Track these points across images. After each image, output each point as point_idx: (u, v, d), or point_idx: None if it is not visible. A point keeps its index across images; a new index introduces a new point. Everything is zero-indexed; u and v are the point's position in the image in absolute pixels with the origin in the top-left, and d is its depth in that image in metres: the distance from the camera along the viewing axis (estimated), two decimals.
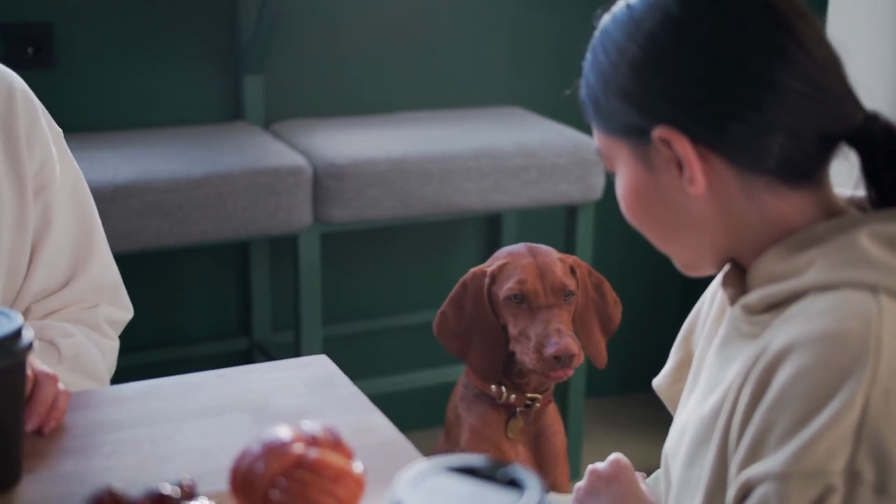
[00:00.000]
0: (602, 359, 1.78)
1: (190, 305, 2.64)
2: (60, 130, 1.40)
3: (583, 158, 2.45)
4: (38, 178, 1.34)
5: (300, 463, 0.89)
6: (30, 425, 1.10)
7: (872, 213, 0.98)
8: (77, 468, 1.07)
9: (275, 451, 0.90)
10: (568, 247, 2.55)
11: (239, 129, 2.48)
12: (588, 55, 1.04)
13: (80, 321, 1.37)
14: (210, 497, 0.93)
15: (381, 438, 1.14)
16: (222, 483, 0.99)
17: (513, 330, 1.69)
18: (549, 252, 1.73)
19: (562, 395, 2.52)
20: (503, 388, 1.73)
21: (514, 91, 2.79)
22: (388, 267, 2.79)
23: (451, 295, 1.75)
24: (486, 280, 1.71)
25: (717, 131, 0.96)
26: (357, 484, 0.91)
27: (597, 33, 1.04)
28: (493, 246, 2.87)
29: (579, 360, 1.67)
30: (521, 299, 1.68)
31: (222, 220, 2.20)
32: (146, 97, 2.50)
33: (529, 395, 1.75)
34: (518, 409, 1.74)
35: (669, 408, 1.23)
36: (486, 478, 0.78)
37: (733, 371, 0.98)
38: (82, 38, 2.42)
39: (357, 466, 0.92)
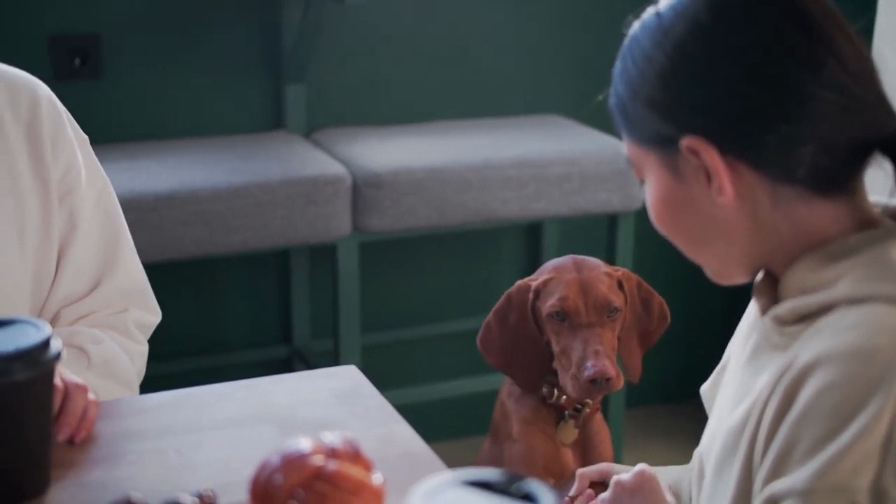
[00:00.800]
0: (636, 373, 1.73)
1: (230, 313, 2.66)
2: (86, 137, 1.42)
3: (623, 167, 2.43)
4: (63, 183, 1.36)
5: (319, 475, 0.89)
6: (61, 436, 1.11)
7: None
8: (103, 477, 1.08)
9: (294, 462, 0.90)
10: (608, 256, 2.54)
11: (280, 138, 2.50)
12: (617, 63, 1.03)
13: (109, 326, 1.38)
14: None
15: (405, 449, 1.14)
16: (244, 493, 0.99)
17: (555, 347, 1.66)
18: (597, 266, 1.68)
19: (603, 406, 2.50)
20: (555, 390, 1.70)
21: (555, 99, 2.78)
22: (426, 275, 2.79)
23: (495, 307, 1.72)
24: (531, 295, 1.68)
25: (745, 141, 0.94)
26: (376, 496, 0.91)
27: (626, 41, 1.02)
28: (532, 255, 2.86)
29: (617, 383, 1.62)
30: (562, 316, 1.64)
31: (262, 228, 2.21)
32: (190, 107, 2.53)
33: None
34: (567, 413, 1.72)
35: (709, 412, 1.21)
36: (501, 492, 0.77)
37: (762, 382, 0.97)
38: (128, 48, 2.46)
39: (376, 478, 0.92)
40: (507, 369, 1.72)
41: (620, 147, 2.47)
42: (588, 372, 1.59)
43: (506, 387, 1.78)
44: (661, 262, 2.87)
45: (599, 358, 1.60)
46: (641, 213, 2.55)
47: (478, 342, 1.73)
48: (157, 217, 2.14)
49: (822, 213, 0.96)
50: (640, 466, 1.19)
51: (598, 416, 1.78)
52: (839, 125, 0.93)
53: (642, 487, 1.16)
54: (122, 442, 1.14)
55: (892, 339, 0.87)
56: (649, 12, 1.01)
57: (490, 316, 1.72)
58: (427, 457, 1.13)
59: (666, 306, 1.75)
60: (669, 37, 0.96)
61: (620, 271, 1.71)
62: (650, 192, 1.02)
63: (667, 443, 2.84)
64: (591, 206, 2.44)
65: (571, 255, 1.71)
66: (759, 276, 1.04)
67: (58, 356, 1.03)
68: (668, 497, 1.17)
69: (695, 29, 0.95)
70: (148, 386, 1.43)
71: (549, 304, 1.65)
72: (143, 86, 2.48)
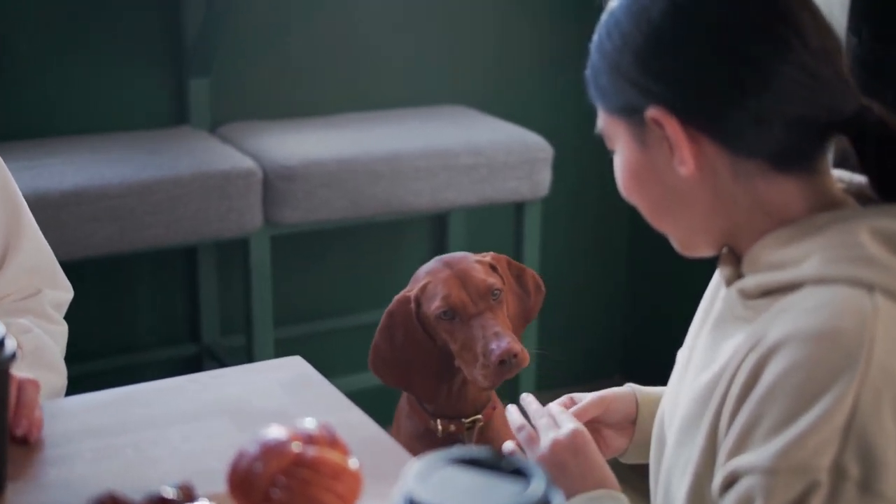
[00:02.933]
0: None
1: (137, 312, 2.61)
2: None
3: (531, 156, 2.48)
4: None
5: (299, 461, 0.90)
6: (19, 430, 1.10)
7: (873, 208, 0.98)
8: (61, 476, 1.06)
9: (273, 450, 0.90)
10: (516, 243, 2.58)
11: (185, 134, 2.46)
12: (595, 36, 1.05)
13: (25, 310, 1.36)
14: (210, 499, 0.93)
15: (363, 434, 1.15)
16: (212, 484, 0.99)
17: (454, 346, 1.64)
18: (465, 258, 1.68)
19: (512, 390, 2.55)
20: (439, 425, 1.68)
21: (459, 90, 2.81)
22: (338, 268, 2.79)
23: (379, 326, 1.69)
24: (412, 306, 1.66)
25: (707, 115, 0.97)
26: (355, 480, 0.92)
27: (604, 15, 1.05)
28: (443, 243, 2.88)
29: (524, 358, 1.60)
30: (451, 314, 1.62)
31: (174, 224, 2.18)
32: (91, 103, 2.47)
33: (468, 420, 1.69)
34: (462, 436, 1.69)
35: None
36: (492, 468, 0.79)
37: (725, 352, 1.00)
38: (24, 43, 2.38)
39: (353, 462, 0.93)
40: (405, 386, 1.69)
41: (528, 136, 2.52)
42: (495, 354, 1.58)
43: (401, 422, 1.73)
44: (566, 248, 2.94)
45: (501, 338, 1.59)
46: (548, 201, 2.61)
47: (369, 366, 1.70)
48: (66, 215, 2.09)
49: (782, 190, 0.99)
50: (578, 426, 1.17)
51: (498, 413, 1.74)
52: (800, 103, 0.96)
53: (584, 448, 1.16)
54: (75, 441, 1.12)
55: (856, 323, 0.90)
56: None
57: (376, 337, 1.69)
58: (386, 441, 1.14)
59: (538, 277, 1.76)
60: (645, 13, 0.99)
61: (489, 256, 1.71)
62: (619, 161, 1.05)
63: None
64: (499, 195, 2.48)
65: (437, 257, 1.71)
66: (725, 249, 1.06)
67: (13, 356, 1.01)
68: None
69: (670, 6, 0.98)
70: None
71: (434, 307, 1.63)
72: (40, 82, 2.41)
